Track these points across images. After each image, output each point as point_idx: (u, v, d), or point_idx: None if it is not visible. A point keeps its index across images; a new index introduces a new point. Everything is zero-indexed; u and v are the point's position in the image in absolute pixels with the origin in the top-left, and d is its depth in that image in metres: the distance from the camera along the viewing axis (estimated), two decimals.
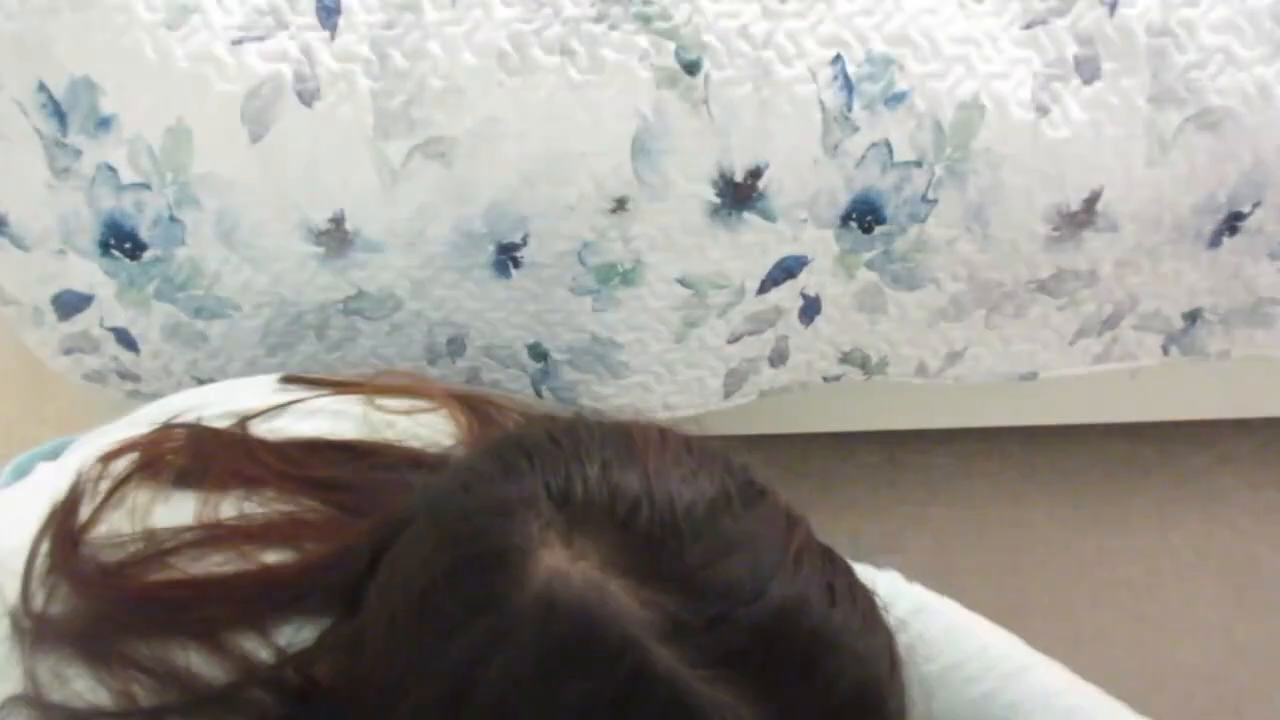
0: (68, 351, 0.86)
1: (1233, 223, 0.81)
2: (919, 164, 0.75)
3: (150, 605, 0.45)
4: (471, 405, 0.56)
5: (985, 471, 1.16)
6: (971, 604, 1.06)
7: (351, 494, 0.49)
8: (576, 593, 0.37)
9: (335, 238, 0.76)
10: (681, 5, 0.72)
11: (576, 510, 0.39)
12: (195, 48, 0.71)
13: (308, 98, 0.71)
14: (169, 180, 0.73)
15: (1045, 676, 0.59)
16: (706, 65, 0.72)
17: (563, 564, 0.38)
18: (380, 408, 0.54)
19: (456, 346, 0.87)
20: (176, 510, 0.47)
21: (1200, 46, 0.75)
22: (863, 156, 0.75)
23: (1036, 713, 0.56)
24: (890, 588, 0.61)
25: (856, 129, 0.74)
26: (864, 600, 0.42)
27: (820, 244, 0.79)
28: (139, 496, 0.48)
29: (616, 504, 0.39)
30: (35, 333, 0.84)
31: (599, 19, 0.72)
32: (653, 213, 0.75)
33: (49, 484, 0.50)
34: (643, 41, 0.72)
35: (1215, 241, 0.82)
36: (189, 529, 0.47)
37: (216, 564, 0.46)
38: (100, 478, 0.49)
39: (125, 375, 0.88)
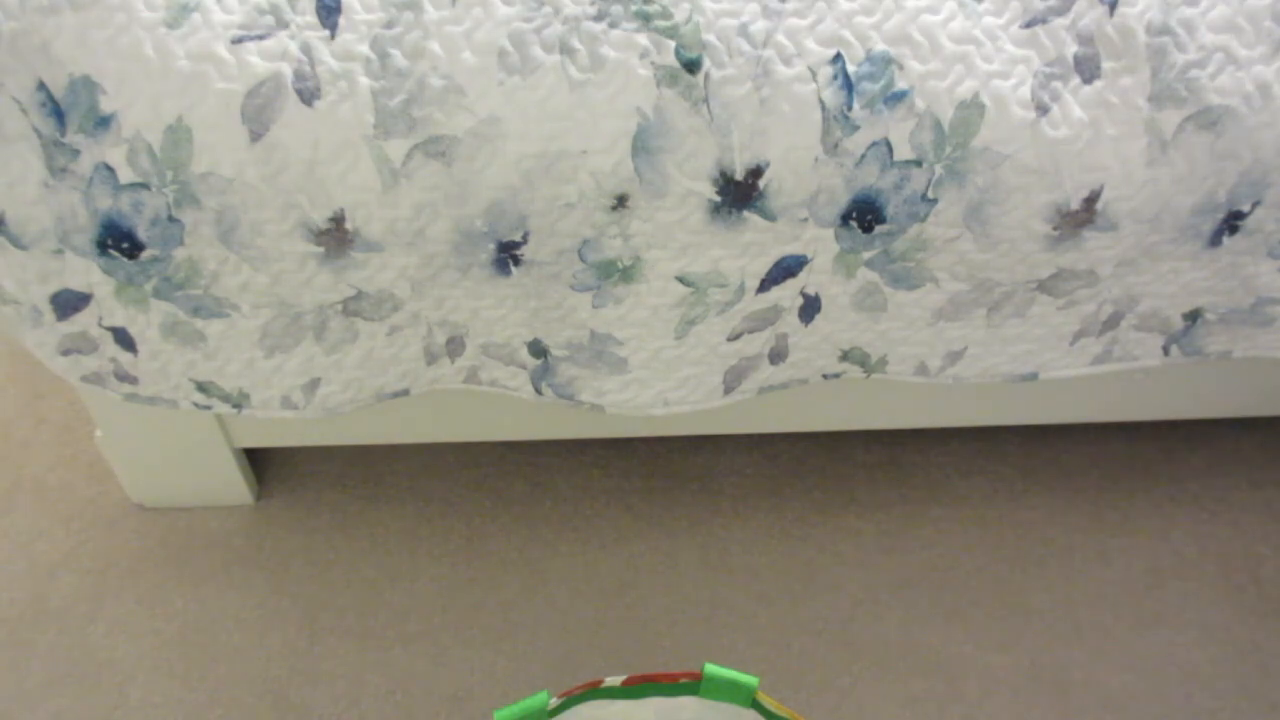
0: (66, 352, 0.86)
1: (1233, 222, 0.81)
2: (919, 163, 0.75)
3: None
4: None
5: (985, 471, 1.16)
6: (972, 604, 1.06)
7: None
8: None
9: (335, 237, 0.76)
10: (682, 4, 0.72)
11: None
12: (195, 47, 0.71)
13: (308, 96, 0.71)
14: (168, 179, 0.73)
15: None
16: (707, 64, 0.72)
17: None
18: None
19: (455, 346, 0.87)
20: None
21: (1200, 46, 0.75)
22: (863, 156, 0.75)
23: None
24: None
25: (856, 128, 0.74)
26: None
27: (820, 243, 0.79)
28: None
29: None
30: (34, 333, 0.84)
31: (599, 17, 0.72)
32: (653, 210, 0.75)
33: None
34: (643, 40, 0.72)
35: (1215, 241, 0.82)
36: None
37: None
38: None
39: (123, 377, 0.88)
